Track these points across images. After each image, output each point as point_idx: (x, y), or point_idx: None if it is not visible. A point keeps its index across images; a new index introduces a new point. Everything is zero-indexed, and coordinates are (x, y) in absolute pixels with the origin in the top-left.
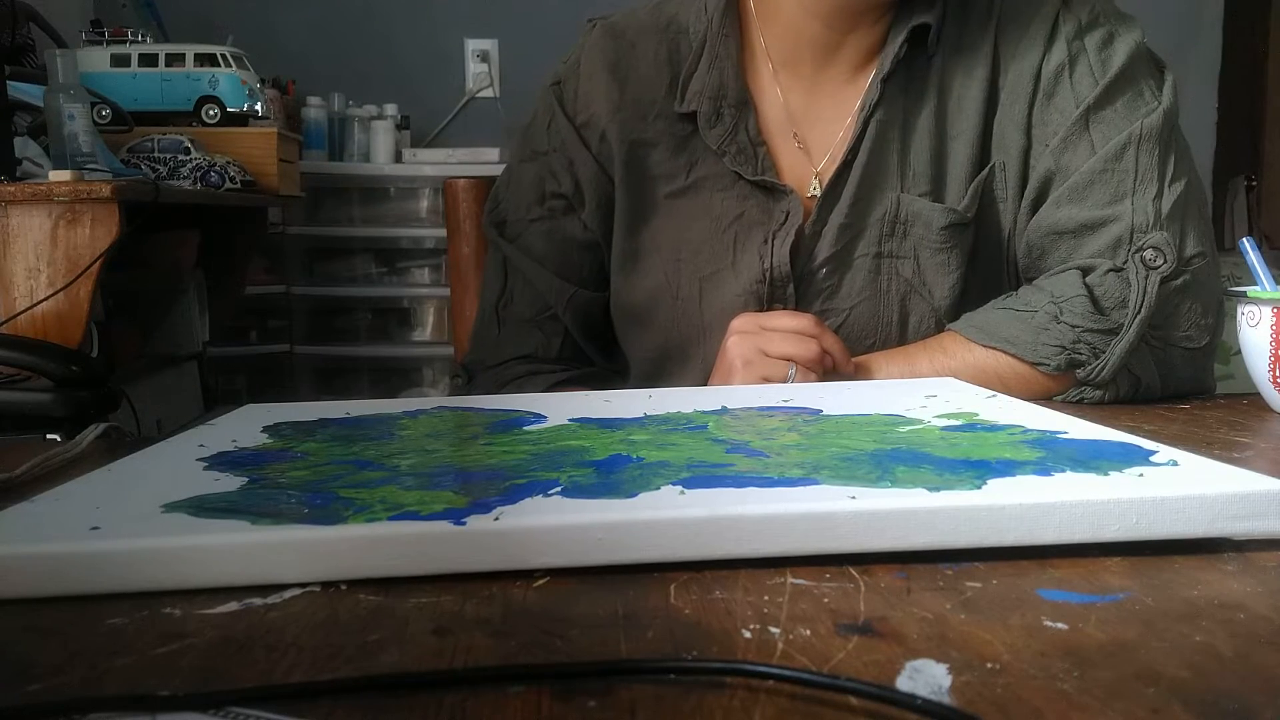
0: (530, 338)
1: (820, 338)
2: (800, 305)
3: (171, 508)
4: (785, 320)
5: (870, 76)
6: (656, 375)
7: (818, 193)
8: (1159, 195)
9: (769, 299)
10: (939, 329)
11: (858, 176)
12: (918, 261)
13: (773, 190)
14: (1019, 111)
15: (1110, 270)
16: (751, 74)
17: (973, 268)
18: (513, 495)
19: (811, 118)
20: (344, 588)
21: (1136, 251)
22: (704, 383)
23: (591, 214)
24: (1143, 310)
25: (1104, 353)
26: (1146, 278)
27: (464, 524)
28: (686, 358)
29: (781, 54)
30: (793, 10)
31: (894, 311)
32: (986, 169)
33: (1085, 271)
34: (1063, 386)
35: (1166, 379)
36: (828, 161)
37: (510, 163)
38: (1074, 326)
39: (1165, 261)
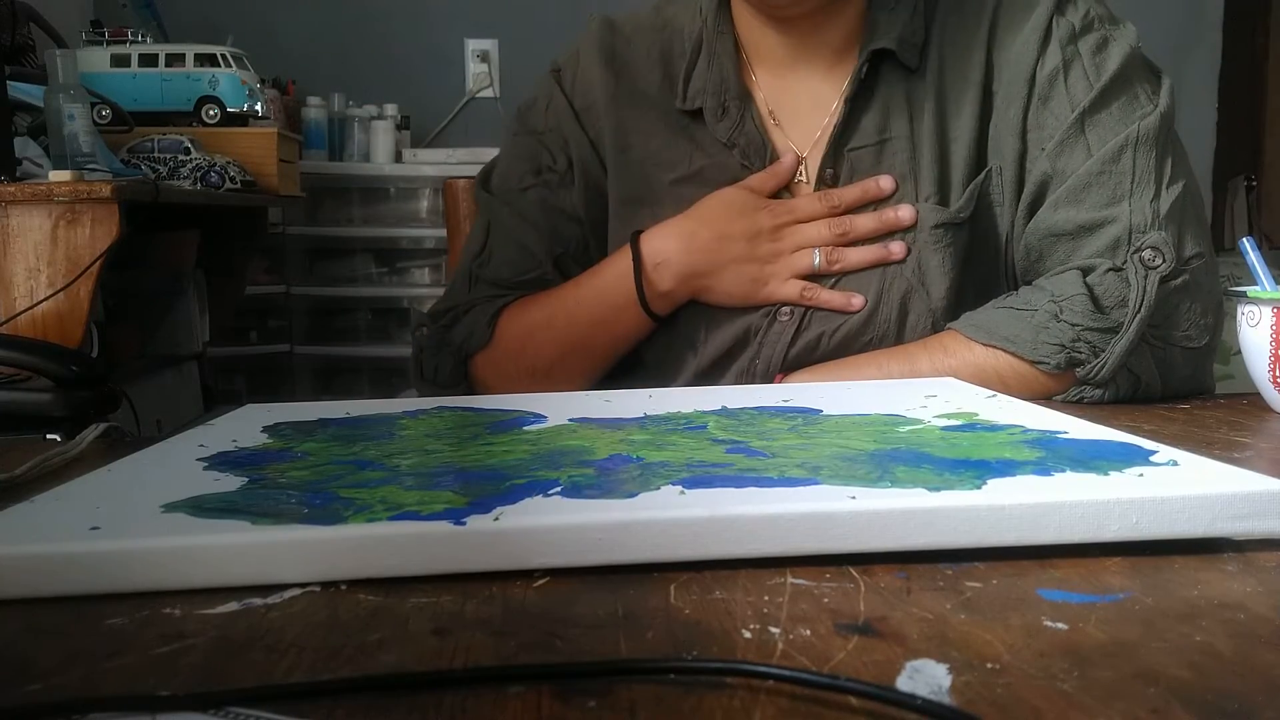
0: (499, 302)
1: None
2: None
3: (171, 508)
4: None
5: (845, 77)
6: (655, 368)
7: (805, 179)
8: (1156, 196)
9: None
10: (935, 329)
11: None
12: (918, 261)
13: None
14: (1014, 116)
15: (1110, 270)
16: (744, 70)
17: (967, 271)
18: (513, 495)
19: (791, 113)
20: (344, 588)
21: (1135, 252)
22: (699, 377)
23: (579, 194)
24: (1142, 309)
25: (1104, 351)
26: (1145, 277)
27: (464, 524)
28: (693, 347)
29: (755, 53)
30: (747, 17)
31: (894, 309)
32: (983, 173)
33: (1085, 271)
34: (1063, 386)
35: (1166, 378)
36: (812, 149)
37: (505, 139)
38: (1074, 325)
39: (1164, 261)
